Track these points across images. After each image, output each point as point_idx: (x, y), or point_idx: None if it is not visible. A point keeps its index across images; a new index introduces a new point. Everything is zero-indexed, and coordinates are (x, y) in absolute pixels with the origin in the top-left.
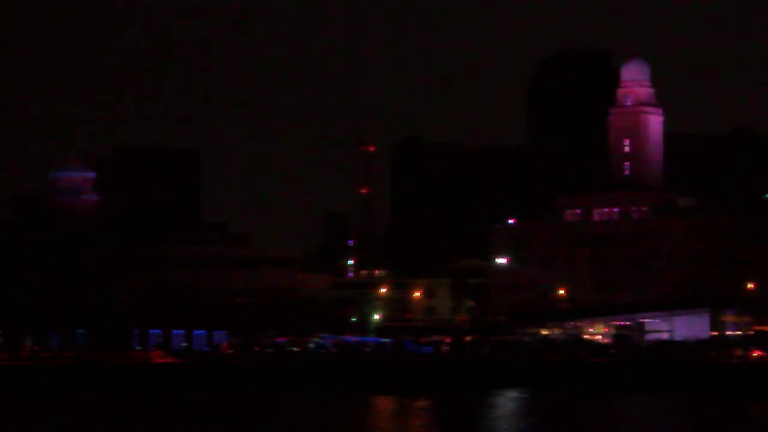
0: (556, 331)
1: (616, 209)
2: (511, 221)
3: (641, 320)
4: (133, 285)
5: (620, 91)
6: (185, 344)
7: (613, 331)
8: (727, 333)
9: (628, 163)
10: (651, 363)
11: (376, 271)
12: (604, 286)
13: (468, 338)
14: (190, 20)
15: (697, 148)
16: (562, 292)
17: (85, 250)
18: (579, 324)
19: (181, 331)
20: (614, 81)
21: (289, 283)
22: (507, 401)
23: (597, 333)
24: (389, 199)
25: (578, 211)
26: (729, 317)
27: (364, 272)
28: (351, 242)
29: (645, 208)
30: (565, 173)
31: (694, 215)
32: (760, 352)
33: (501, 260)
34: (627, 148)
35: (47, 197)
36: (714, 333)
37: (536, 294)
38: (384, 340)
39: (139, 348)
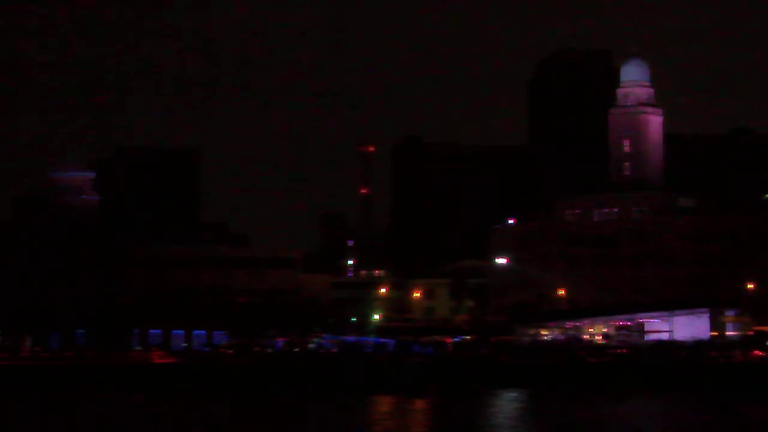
0: (556, 331)
1: (616, 209)
2: (511, 221)
3: (641, 320)
4: (133, 285)
5: (620, 91)
6: (185, 344)
7: (610, 331)
8: (727, 333)
9: (628, 163)
10: (651, 363)
11: (376, 271)
12: (604, 286)
13: (468, 338)
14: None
15: (697, 148)
16: (562, 292)
17: (85, 250)
18: (579, 324)
19: (181, 331)
20: (614, 81)
21: (289, 283)
22: (507, 401)
23: (597, 333)
24: (389, 199)
25: (578, 211)
26: (729, 317)
27: (364, 272)
28: (351, 242)
29: (645, 208)
30: (565, 173)
31: (694, 215)
32: (760, 352)
33: (501, 260)
34: (627, 148)
35: (47, 197)
36: (714, 333)
37: (536, 294)
38: (384, 340)
39: (139, 348)
